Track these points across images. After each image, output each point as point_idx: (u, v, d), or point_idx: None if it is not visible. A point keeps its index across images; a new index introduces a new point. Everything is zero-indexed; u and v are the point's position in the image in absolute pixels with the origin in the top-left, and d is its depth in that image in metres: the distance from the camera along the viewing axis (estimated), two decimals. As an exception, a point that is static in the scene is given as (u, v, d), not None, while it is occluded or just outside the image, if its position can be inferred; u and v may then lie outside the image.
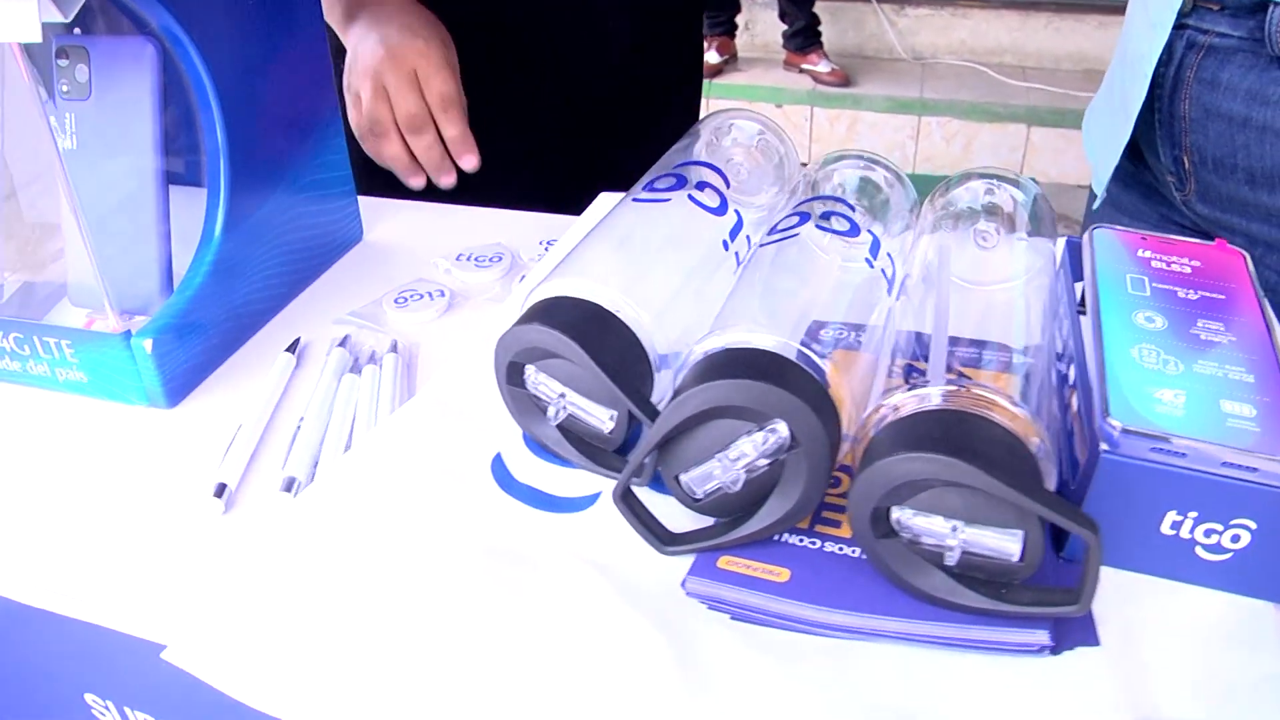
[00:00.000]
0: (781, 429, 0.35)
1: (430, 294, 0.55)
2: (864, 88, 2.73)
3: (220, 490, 0.41)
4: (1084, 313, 0.43)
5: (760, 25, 2.95)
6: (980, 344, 0.41)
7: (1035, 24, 2.65)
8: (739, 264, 0.47)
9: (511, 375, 0.40)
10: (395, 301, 0.55)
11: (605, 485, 0.40)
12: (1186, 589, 0.36)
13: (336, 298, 0.57)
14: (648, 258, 0.42)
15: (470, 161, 0.65)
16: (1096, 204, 0.73)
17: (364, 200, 0.63)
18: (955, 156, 2.53)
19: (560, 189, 0.87)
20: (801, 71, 2.81)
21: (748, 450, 0.35)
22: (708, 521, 0.38)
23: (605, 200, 0.58)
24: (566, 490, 0.40)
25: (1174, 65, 0.62)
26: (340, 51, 0.67)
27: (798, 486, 0.35)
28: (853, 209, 0.46)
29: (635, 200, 0.46)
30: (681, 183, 0.46)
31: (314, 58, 0.55)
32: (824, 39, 2.80)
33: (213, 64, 0.47)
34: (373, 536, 0.37)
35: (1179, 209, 0.70)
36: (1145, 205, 0.73)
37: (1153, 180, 0.71)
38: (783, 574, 0.36)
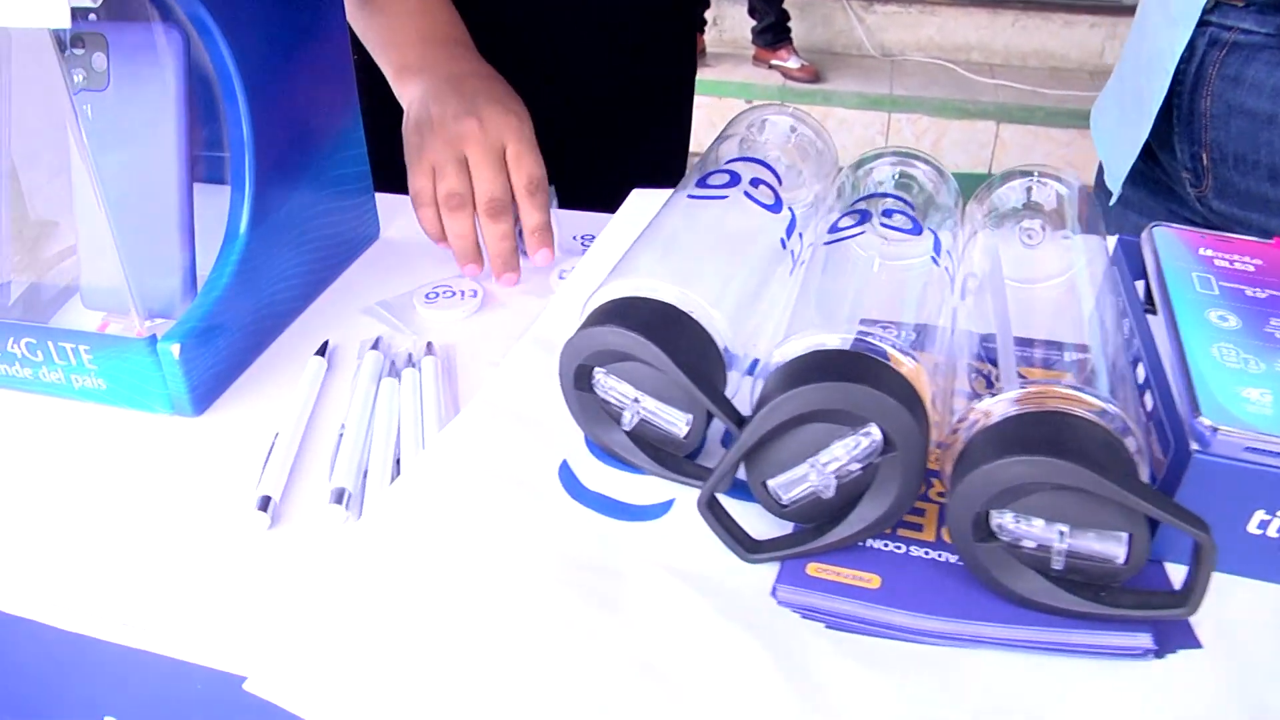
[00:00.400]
0: (875, 432, 0.34)
1: (462, 292, 0.53)
2: (834, 84, 2.74)
3: (265, 503, 0.39)
4: (1150, 311, 0.43)
5: (729, 21, 2.95)
6: (1056, 345, 0.41)
7: (1002, 22, 2.69)
8: (794, 262, 0.46)
9: (579, 380, 0.38)
10: (426, 298, 0.53)
11: (678, 491, 0.38)
12: (1272, 588, 0.35)
13: (358, 297, 0.54)
14: (712, 256, 0.41)
15: (545, 257, 0.55)
16: (1112, 201, 0.73)
17: (379, 197, 0.61)
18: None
19: (561, 188, 0.86)
20: (771, 67, 2.82)
21: (840, 455, 0.34)
22: (786, 527, 0.37)
23: (640, 198, 0.57)
24: (639, 497, 0.38)
25: (1195, 62, 0.62)
26: (359, 44, 0.64)
27: (891, 491, 0.34)
28: (912, 207, 0.45)
29: (691, 198, 0.44)
30: (735, 180, 0.45)
31: (336, 49, 0.53)
32: (793, 35, 2.81)
33: (240, 54, 0.44)
34: (448, 555, 0.35)
35: (1190, 205, 0.70)
36: (1153, 201, 0.74)
37: (1163, 176, 0.71)
38: (873, 580, 0.35)
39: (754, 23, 2.81)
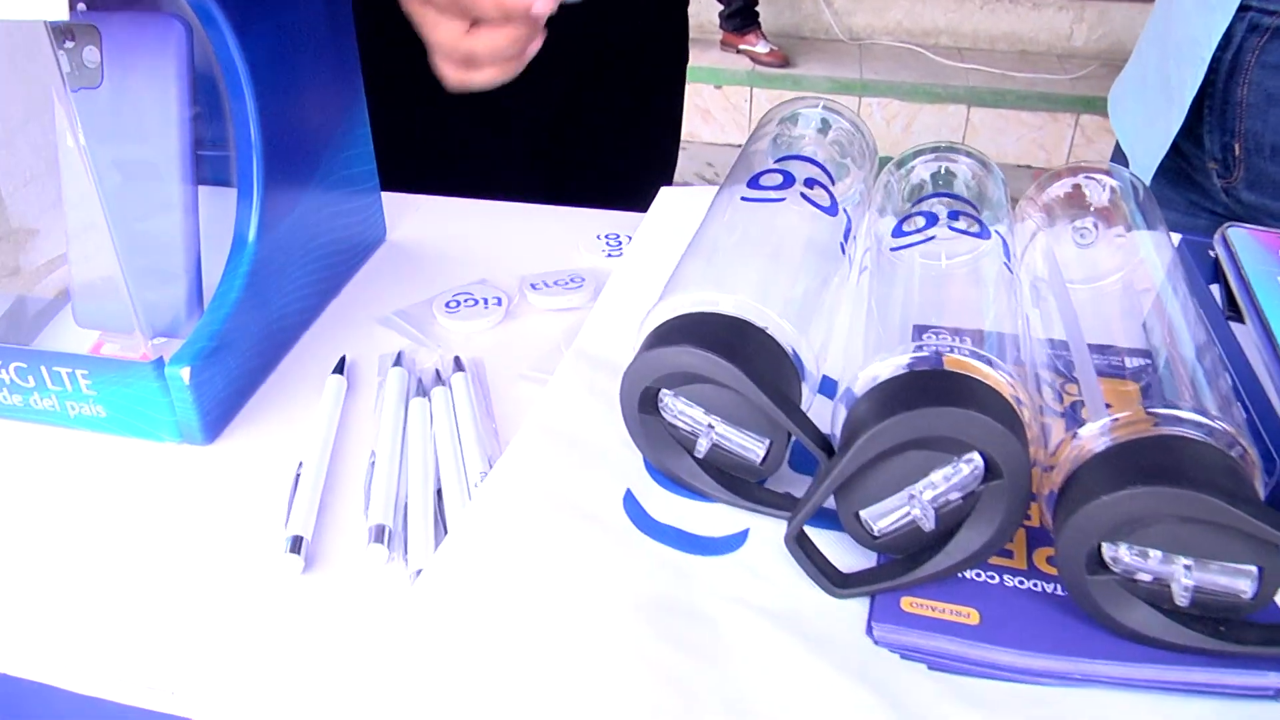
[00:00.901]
0: (977, 459, 0.31)
1: (485, 300, 0.49)
2: (803, 68, 2.72)
3: (296, 544, 0.35)
4: (1232, 318, 0.41)
5: (696, 5, 2.90)
6: (1119, 350, 0.39)
7: (971, 6, 2.68)
8: (850, 266, 0.43)
9: (644, 403, 0.35)
10: (447, 307, 0.49)
11: (752, 520, 0.36)
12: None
13: (370, 306, 0.51)
14: (776, 265, 0.38)
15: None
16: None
17: (383, 197, 0.57)
18: (896, 138, 2.54)
19: (556, 178, 0.83)
20: (739, 52, 2.79)
21: (940, 483, 0.32)
22: (869, 556, 0.34)
23: (670, 197, 0.53)
24: (711, 528, 0.35)
25: (1232, 49, 0.60)
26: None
27: (993, 520, 0.32)
28: (975, 207, 0.43)
29: (744, 200, 0.41)
30: (789, 180, 0.42)
31: (342, 36, 0.49)
32: (761, 19, 2.78)
33: (249, 46, 0.40)
34: (521, 607, 0.32)
35: (1214, 196, 0.69)
36: (1173, 192, 0.72)
37: (1184, 166, 0.70)
38: (971, 615, 0.33)
39: (721, 7, 2.77)
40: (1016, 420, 0.31)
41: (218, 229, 0.44)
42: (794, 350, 0.35)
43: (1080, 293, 0.47)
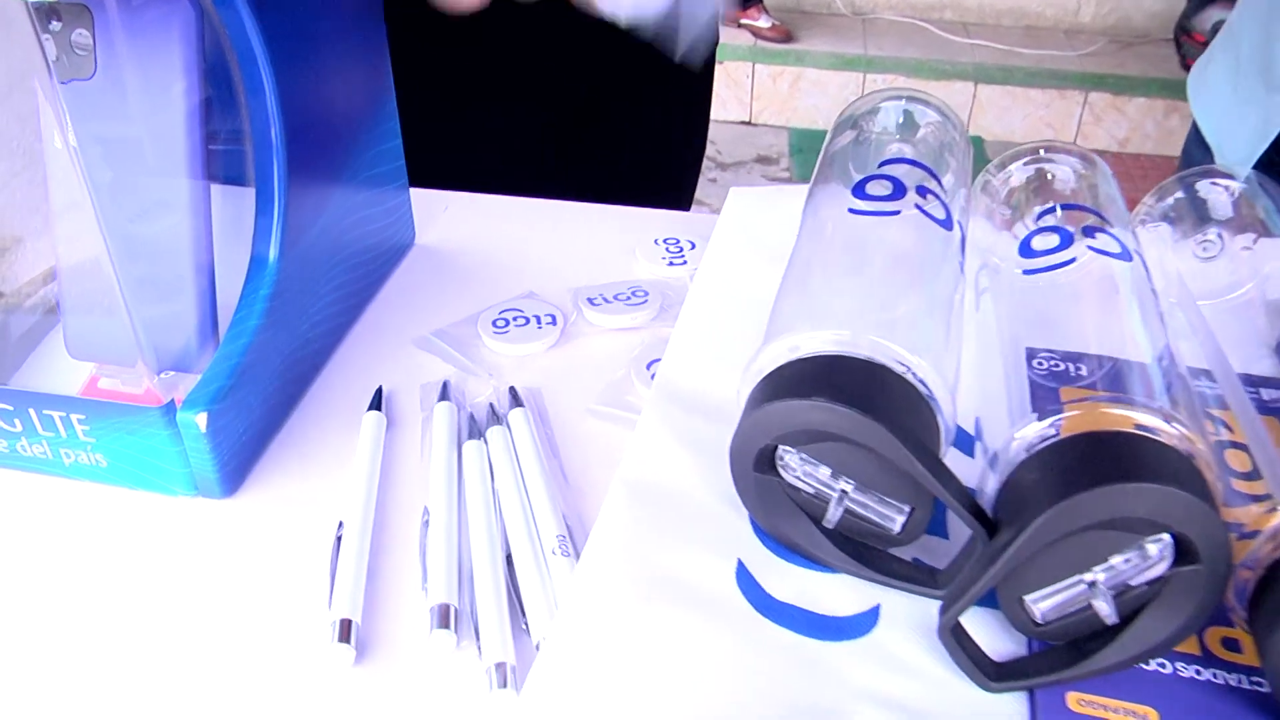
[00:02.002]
0: (1167, 539, 0.26)
1: (537, 318, 0.43)
2: (806, 44, 2.64)
3: (345, 630, 0.29)
4: None
5: (695, -23, 2.82)
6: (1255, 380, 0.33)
7: (976, -21, 2.61)
8: (960, 289, 0.37)
9: (760, 462, 0.29)
10: (494, 326, 0.43)
11: (881, 595, 0.30)
12: None
13: (403, 323, 0.45)
14: (906, 294, 0.32)
15: None
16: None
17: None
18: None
19: (584, 168, 0.77)
20: (740, 26, 2.70)
21: (1123, 569, 0.26)
22: (1018, 638, 0.29)
23: (742, 199, 0.47)
24: (836, 604, 0.30)
25: None
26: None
27: (1183, 610, 0.26)
28: (1108, 222, 0.37)
29: (854, 213, 0.35)
30: (900, 189, 0.36)
31: (368, 15, 0.43)
32: (762, -8, 2.70)
33: (268, 27, 0.34)
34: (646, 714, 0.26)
35: None
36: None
37: (1273, 155, 0.64)
38: (1150, 715, 0.27)
39: (721, -21, 2.69)
40: (1210, 493, 0.26)
41: (232, 231, 0.38)
42: (936, 399, 0.29)
43: (1205, 311, 0.42)
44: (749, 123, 2.63)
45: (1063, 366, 0.33)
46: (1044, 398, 0.30)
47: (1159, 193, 0.44)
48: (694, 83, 0.81)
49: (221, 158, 0.39)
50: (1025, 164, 0.43)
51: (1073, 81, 2.50)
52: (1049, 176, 0.43)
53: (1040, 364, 0.32)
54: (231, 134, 0.38)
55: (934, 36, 2.61)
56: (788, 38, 2.65)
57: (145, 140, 0.35)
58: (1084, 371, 0.31)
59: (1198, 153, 0.71)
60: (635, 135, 0.78)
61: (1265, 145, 0.59)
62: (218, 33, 0.34)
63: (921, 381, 0.29)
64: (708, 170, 2.50)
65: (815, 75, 2.62)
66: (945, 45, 2.56)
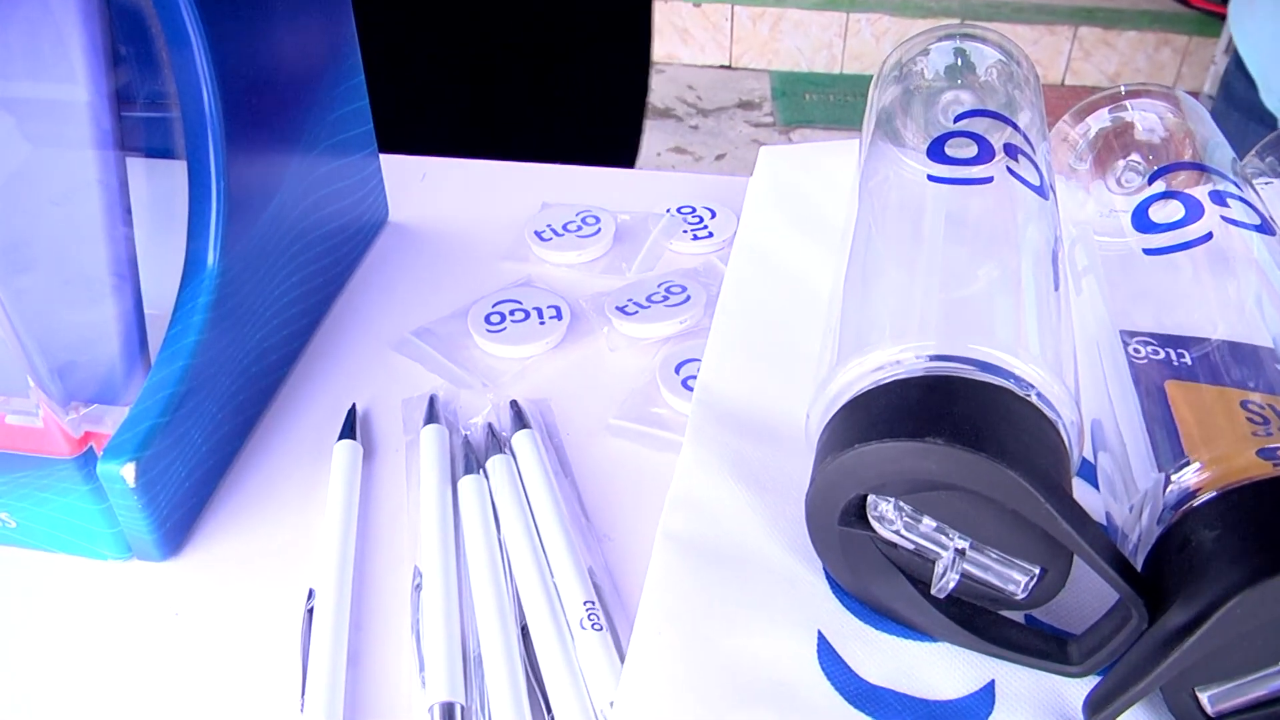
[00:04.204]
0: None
1: (539, 311, 0.36)
2: (786, -19, 2.53)
3: (321, 741, 0.23)
4: None
5: (669, -88, 2.69)
6: None
7: (963, -91, 2.50)
8: (1058, 272, 0.31)
9: (846, 514, 0.23)
10: (488, 323, 0.36)
11: (995, 669, 0.24)
12: None
13: (376, 323, 0.37)
14: (1018, 286, 0.26)
15: None
16: None
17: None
18: (886, 56, 2.38)
19: (519, 120, 0.70)
20: (718, -35, 2.58)
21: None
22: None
23: (774, 159, 0.40)
24: (940, 685, 0.24)
25: None
26: None
27: None
28: (1236, 183, 0.30)
29: (937, 180, 0.28)
30: (988, 151, 0.29)
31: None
32: (739, -73, 2.57)
33: (189, -41, 0.26)
34: None
35: None
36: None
37: None
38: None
39: (696, -86, 2.56)
40: None
41: (164, 219, 0.30)
42: (1061, 418, 0.23)
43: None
44: (729, 67, 2.52)
45: (1162, 354, 0.27)
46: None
47: (1270, 146, 0.37)
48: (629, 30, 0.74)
49: (146, 126, 0.31)
50: (1110, 112, 0.37)
51: (1061, 16, 2.41)
52: (1140, 128, 0.36)
53: (1181, 356, 0.26)
54: (154, 96, 0.30)
55: (919, -29, 2.50)
56: (768, -25, 2.53)
57: (28, 101, 0.27)
58: (1233, 370, 0.25)
59: (1240, 86, 0.65)
60: (572, 90, 0.71)
61: None
62: (123, -31, 0.27)
63: (1048, 404, 0.23)
64: (688, 118, 2.41)
65: (797, 16, 2.52)
66: (931, -20, 2.46)
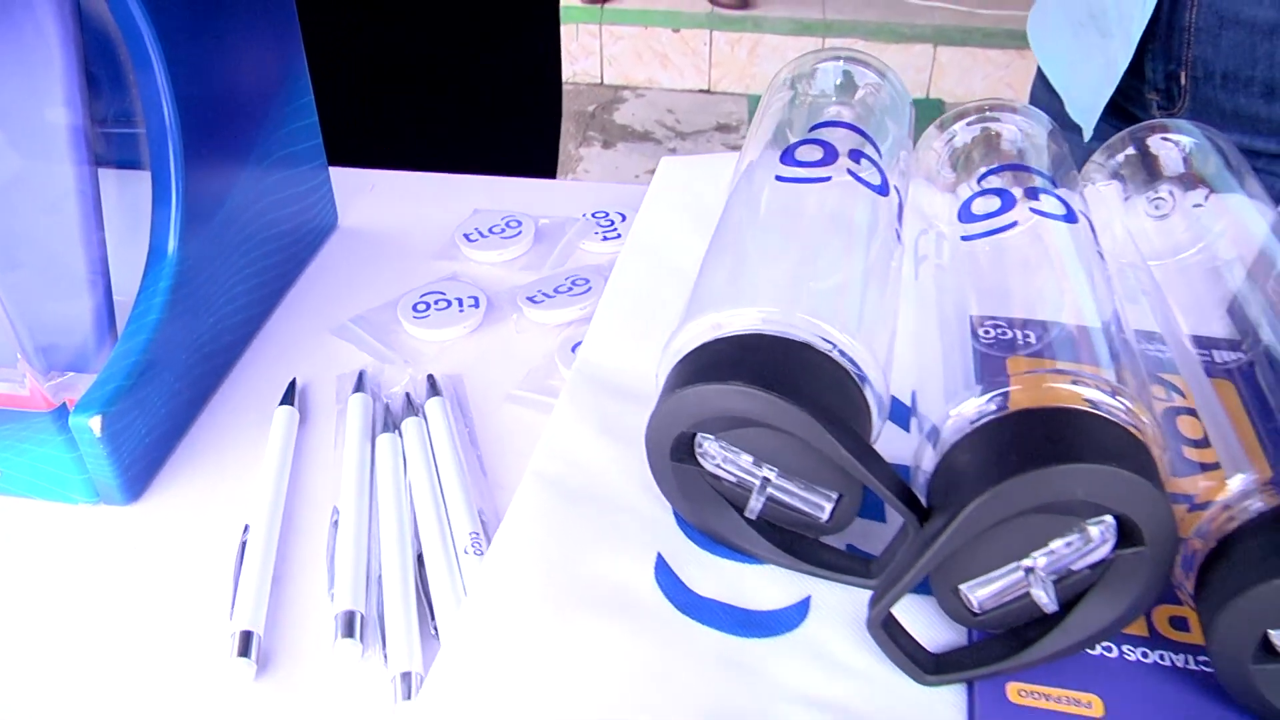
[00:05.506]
0: (1109, 522, 0.25)
1: (459, 300, 0.42)
2: (764, 9, 2.61)
3: (245, 643, 0.28)
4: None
5: (651, -58, 2.77)
6: (1209, 341, 0.33)
7: (935, -60, 2.59)
8: (902, 255, 0.36)
9: (678, 451, 0.28)
10: (414, 311, 0.41)
11: (812, 585, 0.29)
12: None
13: (322, 312, 0.43)
14: (836, 266, 0.31)
15: None
16: (1088, 137, 0.64)
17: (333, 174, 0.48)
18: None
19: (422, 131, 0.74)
20: (698, -8, 2.66)
21: (1061, 552, 0.25)
22: (957, 629, 0.28)
23: (674, 168, 0.45)
24: (763, 598, 0.29)
25: None
26: None
27: (1127, 593, 0.25)
28: (1054, 183, 0.36)
29: (781, 180, 0.34)
30: (832, 154, 0.35)
31: (271, -15, 0.40)
32: (719, -43, 2.65)
33: (154, 1, 0.32)
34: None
35: None
36: (1105, 124, 0.65)
37: (1118, 98, 0.62)
38: (1094, 704, 0.26)
39: (678, -57, 2.64)
40: (1156, 473, 0.25)
41: (131, 219, 0.36)
42: (867, 378, 0.28)
43: (1156, 272, 0.41)
44: (708, 91, 2.60)
45: (1010, 334, 0.31)
46: (991, 368, 0.29)
47: (1108, 150, 0.43)
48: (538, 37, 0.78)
49: (116, 141, 0.36)
50: (970, 124, 0.42)
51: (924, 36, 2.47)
52: (995, 136, 0.41)
53: (987, 333, 0.31)
54: (122, 116, 0.35)
55: (893, -1, 2.58)
56: (745, 4, 2.61)
57: (19, 123, 0.32)
58: (1032, 339, 0.30)
59: (1045, 98, 0.68)
60: (486, 98, 0.76)
61: (1110, 90, 0.58)
62: (96, 1, 0.32)
63: (849, 359, 0.28)
64: (667, 140, 2.48)
65: (774, 41, 2.59)
66: (904, 8, 2.54)
